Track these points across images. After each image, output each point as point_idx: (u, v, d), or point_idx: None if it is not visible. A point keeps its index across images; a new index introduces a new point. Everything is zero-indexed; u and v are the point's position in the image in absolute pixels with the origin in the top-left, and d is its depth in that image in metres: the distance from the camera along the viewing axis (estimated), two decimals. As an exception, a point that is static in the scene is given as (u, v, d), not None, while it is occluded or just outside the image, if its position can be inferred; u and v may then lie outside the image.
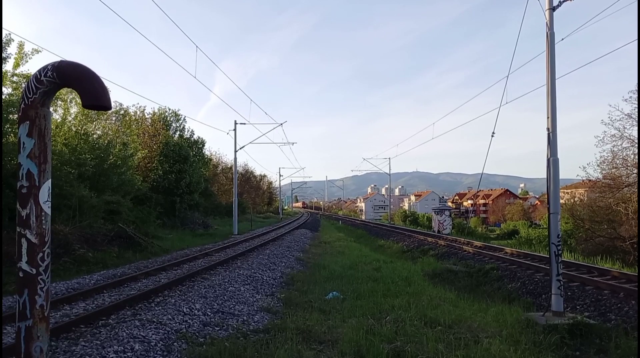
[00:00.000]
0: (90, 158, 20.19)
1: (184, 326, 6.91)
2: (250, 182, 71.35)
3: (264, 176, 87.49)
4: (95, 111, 20.83)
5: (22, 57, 15.45)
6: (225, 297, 9.18)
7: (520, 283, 12.91)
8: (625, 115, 23.61)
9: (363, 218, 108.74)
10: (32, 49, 15.59)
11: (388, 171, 54.66)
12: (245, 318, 7.86)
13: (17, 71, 15.38)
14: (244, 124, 31.81)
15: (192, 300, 8.43)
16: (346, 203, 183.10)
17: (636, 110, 22.86)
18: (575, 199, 35.99)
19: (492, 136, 9.95)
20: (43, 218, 2.23)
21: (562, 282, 8.51)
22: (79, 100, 20.41)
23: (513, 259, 16.23)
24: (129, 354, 5.49)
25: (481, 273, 14.73)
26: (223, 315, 7.93)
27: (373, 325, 6.95)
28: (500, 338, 6.45)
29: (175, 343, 6.11)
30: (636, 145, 23.95)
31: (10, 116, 13.95)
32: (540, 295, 11.46)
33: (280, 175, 74.29)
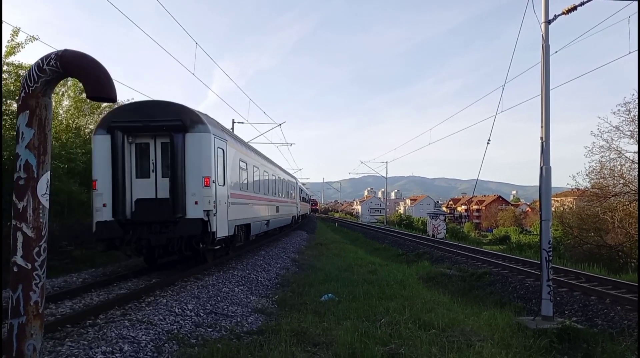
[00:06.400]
0: (82, 152, 19.53)
1: (175, 327, 6.79)
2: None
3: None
4: (88, 105, 20.11)
5: (16, 46, 14.27)
6: (218, 298, 9.06)
7: (511, 287, 13.18)
8: (614, 127, 24.69)
9: (359, 220, 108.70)
10: (28, 37, 14.26)
11: (385, 175, 54.74)
12: (238, 319, 7.76)
13: (8, 60, 14.15)
14: (242, 123, 31.57)
15: (185, 301, 8.30)
16: (342, 205, 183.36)
17: (624, 123, 24.15)
18: (565, 207, 36.91)
19: (488, 143, 10.13)
20: (40, 211, 2.14)
21: (552, 287, 8.70)
22: (72, 93, 19.63)
23: (505, 264, 16.58)
24: (117, 355, 5.35)
25: (474, 278, 14.94)
26: (216, 316, 7.83)
27: (368, 327, 6.91)
28: (492, 342, 6.54)
29: (166, 345, 5.99)
30: (623, 156, 25.19)
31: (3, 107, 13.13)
32: (530, 300, 11.67)
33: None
